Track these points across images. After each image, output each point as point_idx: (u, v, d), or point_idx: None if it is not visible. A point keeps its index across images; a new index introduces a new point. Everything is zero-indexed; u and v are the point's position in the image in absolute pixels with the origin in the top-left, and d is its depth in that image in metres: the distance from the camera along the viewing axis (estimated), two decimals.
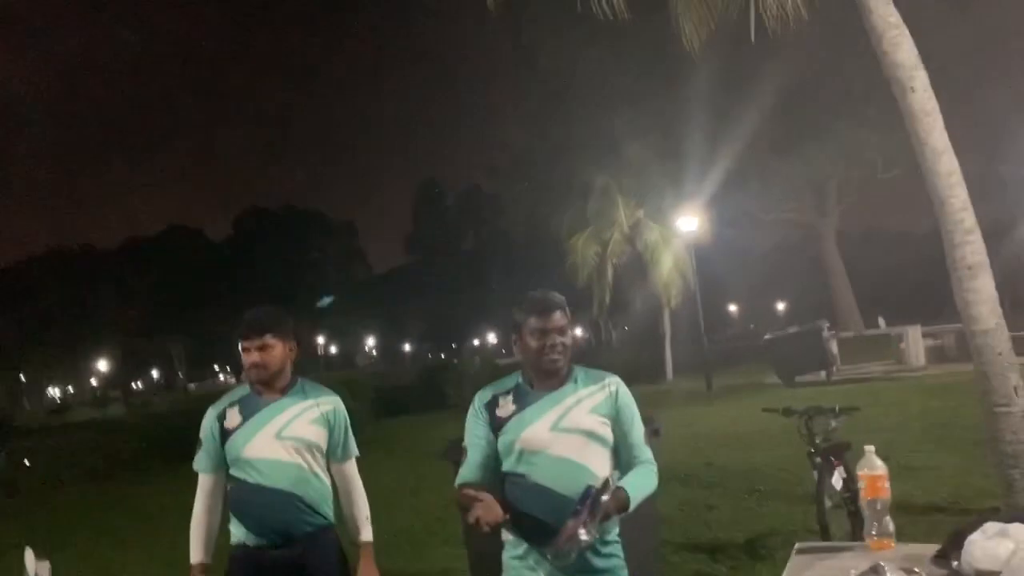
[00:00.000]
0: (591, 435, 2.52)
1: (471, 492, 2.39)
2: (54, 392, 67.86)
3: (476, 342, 65.31)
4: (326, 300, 57.00)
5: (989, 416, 5.28)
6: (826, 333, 17.14)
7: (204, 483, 2.97)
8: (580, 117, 26.24)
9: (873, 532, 2.14)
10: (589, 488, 2.34)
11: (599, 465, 2.51)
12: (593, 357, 28.74)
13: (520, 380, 2.63)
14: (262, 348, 2.92)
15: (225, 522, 2.93)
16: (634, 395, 2.63)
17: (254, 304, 3.23)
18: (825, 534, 4.45)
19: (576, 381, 2.59)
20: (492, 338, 63.80)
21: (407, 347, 70.83)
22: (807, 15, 6.11)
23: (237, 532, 2.92)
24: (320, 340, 60.98)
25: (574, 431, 2.51)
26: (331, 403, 3.05)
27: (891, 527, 2.13)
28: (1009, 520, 1.98)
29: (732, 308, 59.41)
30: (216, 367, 66.47)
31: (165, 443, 15.39)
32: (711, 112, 23.40)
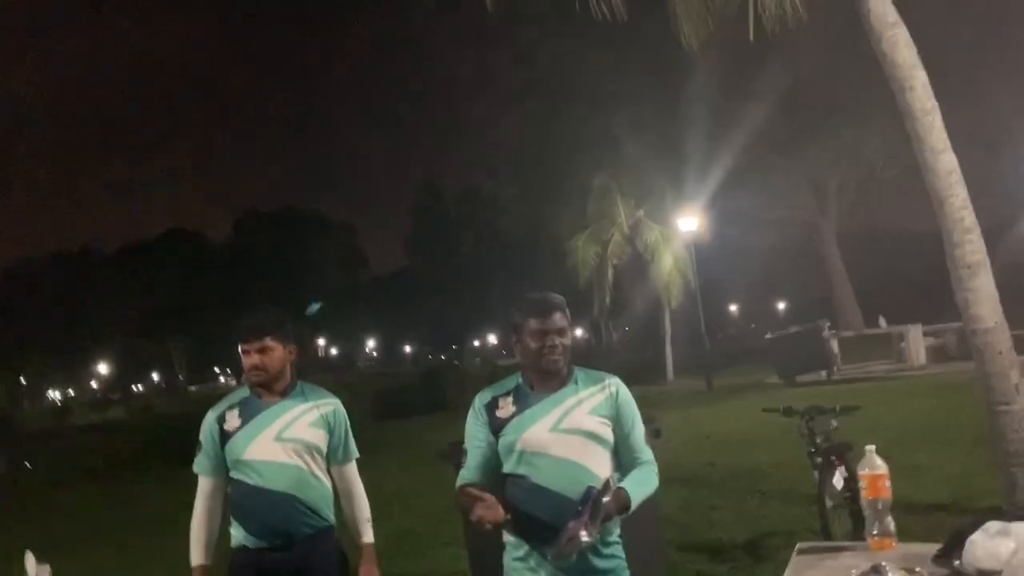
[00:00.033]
0: (592, 436, 2.52)
1: (474, 492, 2.39)
2: (54, 395, 67.89)
3: (477, 343, 65.37)
4: (315, 307, 56.64)
5: (990, 415, 5.28)
6: (827, 332, 17.14)
7: (204, 486, 2.96)
8: (579, 117, 26.25)
9: (874, 532, 2.13)
10: (590, 489, 2.34)
11: (600, 466, 2.51)
12: (594, 358, 28.73)
13: (520, 381, 2.63)
14: (262, 350, 2.92)
15: (226, 524, 2.93)
16: (635, 395, 2.63)
17: (254, 306, 3.23)
18: (826, 534, 4.45)
19: (576, 382, 2.59)
20: (493, 339, 63.84)
21: (408, 349, 70.86)
22: (806, 15, 6.11)
23: (237, 534, 2.92)
24: (321, 342, 60.99)
25: (575, 432, 2.51)
26: (331, 405, 3.05)
27: (892, 527, 2.12)
28: (1011, 519, 1.97)
29: (733, 308, 59.42)
30: (216, 369, 66.54)
31: (165, 445, 15.40)
32: (711, 112, 23.41)
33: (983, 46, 22.76)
